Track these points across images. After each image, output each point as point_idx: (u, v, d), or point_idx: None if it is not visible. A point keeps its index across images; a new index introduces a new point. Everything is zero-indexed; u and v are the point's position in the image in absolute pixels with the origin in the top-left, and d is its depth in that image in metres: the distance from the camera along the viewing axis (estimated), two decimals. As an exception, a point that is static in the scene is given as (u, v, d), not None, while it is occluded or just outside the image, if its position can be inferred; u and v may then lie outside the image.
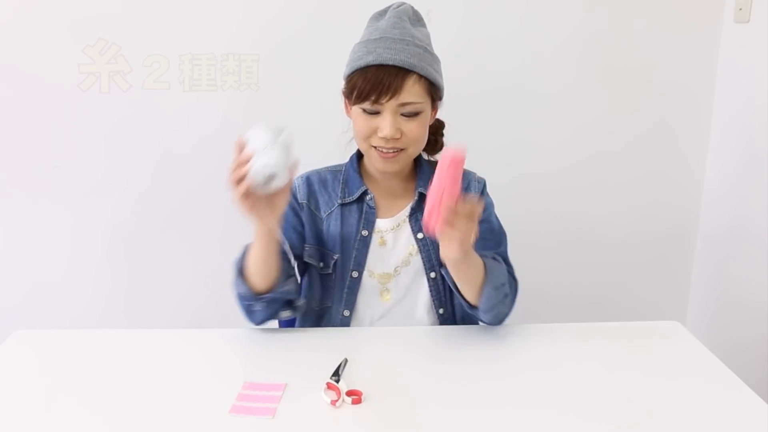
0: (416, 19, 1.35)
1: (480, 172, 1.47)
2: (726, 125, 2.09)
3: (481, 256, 1.27)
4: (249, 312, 1.29)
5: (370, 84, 1.24)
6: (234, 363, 1.18)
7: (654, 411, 1.06)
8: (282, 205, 1.21)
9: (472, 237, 1.14)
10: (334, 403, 1.06)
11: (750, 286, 1.98)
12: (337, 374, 1.14)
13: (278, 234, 1.24)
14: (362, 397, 1.07)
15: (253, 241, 1.24)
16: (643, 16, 2.06)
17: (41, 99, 2.02)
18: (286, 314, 1.33)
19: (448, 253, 1.16)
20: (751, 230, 1.97)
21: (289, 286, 1.30)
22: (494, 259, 1.32)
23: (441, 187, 1.10)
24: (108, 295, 2.19)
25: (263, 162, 1.11)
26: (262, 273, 1.25)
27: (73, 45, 1.98)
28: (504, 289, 1.28)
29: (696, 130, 2.16)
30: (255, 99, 2.06)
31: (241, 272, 1.27)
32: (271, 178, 1.13)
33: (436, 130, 1.43)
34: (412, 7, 1.35)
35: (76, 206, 2.11)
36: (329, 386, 1.10)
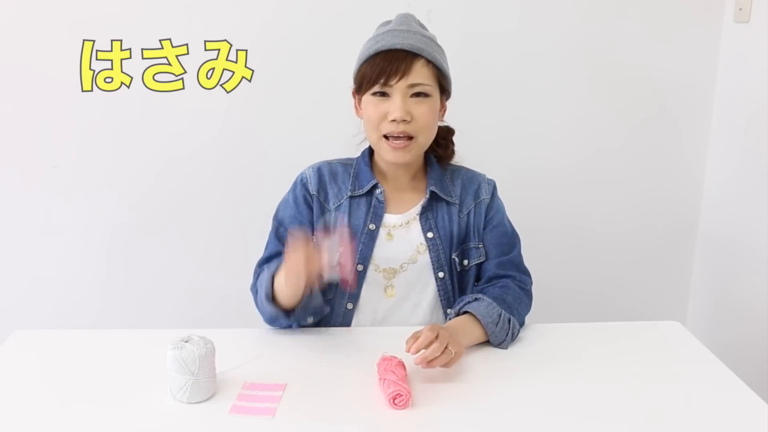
0: (421, 25, 1.39)
1: (478, 168, 1.47)
2: (726, 125, 2.09)
3: (465, 304, 1.30)
4: (272, 321, 1.31)
5: (379, 68, 1.28)
6: (234, 363, 1.17)
7: (654, 411, 1.06)
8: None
9: (449, 354, 1.13)
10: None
11: (750, 285, 1.98)
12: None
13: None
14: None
15: (283, 283, 1.23)
16: (643, 16, 2.05)
17: (41, 99, 2.02)
18: (312, 320, 1.34)
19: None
20: (751, 229, 1.97)
21: (316, 301, 1.30)
22: (476, 299, 1.30)
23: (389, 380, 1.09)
24: (107, 295, 2.19)
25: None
26: (292, 300, 1.26)
27: (71, 45, 1.97)
28: (503, 317, 1.27)
29: (696, 130, 2.16)
30: (255, 100, 2.05)
31: (270, 298, 1.27)
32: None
33: (446, 135, 1.44)
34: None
35: (75, 206, 2.11)
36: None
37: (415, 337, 1.14)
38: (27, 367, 1.19)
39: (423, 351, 1.12)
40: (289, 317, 1.28)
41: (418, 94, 1.30)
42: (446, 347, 1.13)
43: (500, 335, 1.26)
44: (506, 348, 1.27)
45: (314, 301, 1.28)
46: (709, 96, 2.13)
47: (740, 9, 1.97)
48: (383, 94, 1.30)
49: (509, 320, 1.28)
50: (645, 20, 2.06)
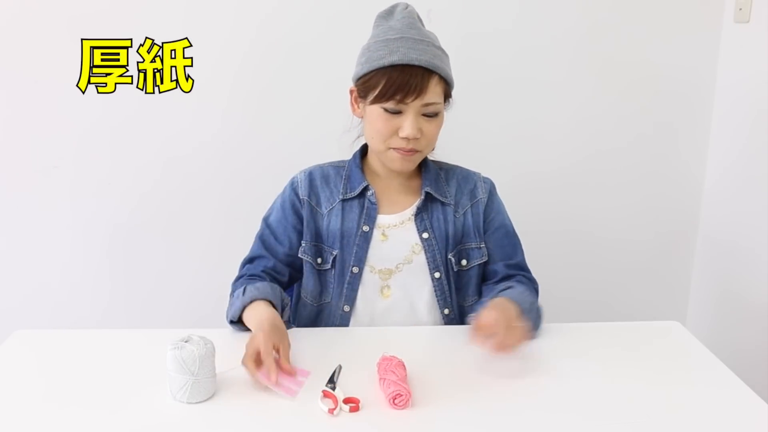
0: (421, 21, 1.36)
1: (477, 169, 1.46)
2: (726, 125, 2.09)
3: (499, 292, 1.31)
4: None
5: (396, 84, 1.24)
6: (234, 363, 1.17)
7: (654, 411, 1.06)
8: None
9: (515, 337, 1.15)
10: (331, 411, 1.05)
11: (750, 286, 1.98)
12: (332, 381, 1.12)
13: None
14: (360, 405, 1.06)
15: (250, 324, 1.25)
16: (644, 16, 2.05)
17: (40, 99, 2.02)
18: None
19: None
20: (750, 230, 1.97)
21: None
22: (509, 287, 1.33)
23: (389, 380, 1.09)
24: (108, 295, 2.19)
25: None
26: None
27: (71, 45, 1.97)
28: (533, 305, 1.31)
29: (696, 131, 2.16)
30: (255, 100, 2.05)
31: (238, 321, 1.29)
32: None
33: None
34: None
35: (76, 207, 2.11)
36: (325, 394, 1.09)
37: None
38: (27, 367, 1.19)
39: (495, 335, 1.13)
40: None
41: (429, 113, 1.28)
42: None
43: (536, 322, 1.29)
44: (535, 337, 1.28)
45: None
46: (709, 96, 2.13)
47: (740, 9, 1.97)
48: (396, 111, 1.27)
49: (538, 309, 1.32)
50: (645, 20, 2.06)
